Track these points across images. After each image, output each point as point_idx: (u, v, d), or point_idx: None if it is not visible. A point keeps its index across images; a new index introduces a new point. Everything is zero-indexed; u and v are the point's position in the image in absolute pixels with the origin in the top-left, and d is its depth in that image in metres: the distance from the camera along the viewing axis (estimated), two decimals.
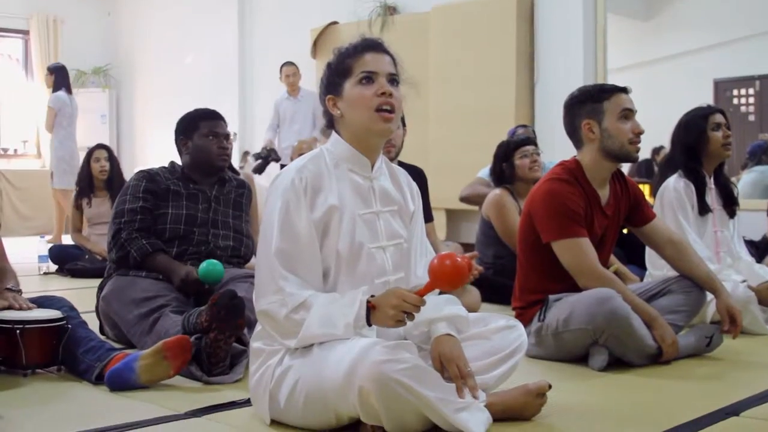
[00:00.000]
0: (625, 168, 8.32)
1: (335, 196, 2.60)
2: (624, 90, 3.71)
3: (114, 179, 7.08)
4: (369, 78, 2.60)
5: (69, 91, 9.79)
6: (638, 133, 3.63)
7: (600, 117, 3.65)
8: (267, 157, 9.01)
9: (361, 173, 2.69)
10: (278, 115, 9.80)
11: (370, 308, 2.46)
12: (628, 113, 3.64)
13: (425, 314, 2.62)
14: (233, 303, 3.18)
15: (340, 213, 2.59)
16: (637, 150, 3.67)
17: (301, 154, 2.78)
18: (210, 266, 3.66)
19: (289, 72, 9.72)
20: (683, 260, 3.82)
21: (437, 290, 2.59)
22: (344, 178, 2.66)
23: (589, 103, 3.69)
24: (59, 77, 9.75)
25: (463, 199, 6.39)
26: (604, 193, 3.74)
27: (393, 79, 2.64)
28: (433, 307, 2.65)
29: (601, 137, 3.65)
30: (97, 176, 7.14)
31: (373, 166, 2.72)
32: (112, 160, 7.27)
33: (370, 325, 2.48)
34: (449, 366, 2.55)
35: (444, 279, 2.44)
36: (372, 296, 2.49)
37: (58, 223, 9.85)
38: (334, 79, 2.67)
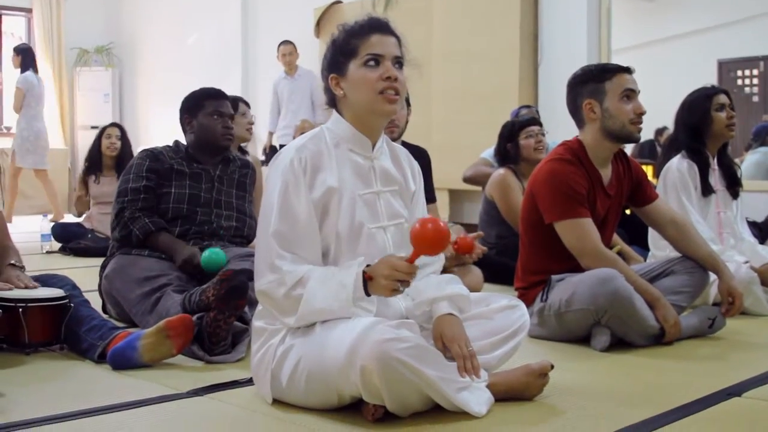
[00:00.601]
0: (628, 149, 8.35)
1: (335, 177, 2.59)
2: (627, 70, 3.69)
3: (124, 159, 7.08)
4: (375, 61, 2.59)
5: (36, 71, 9.90)
6: (640, 114, 3.62)
7: (601, 97, 3.64)
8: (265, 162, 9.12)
9: (361, 153, 2.69)
10: (277, 96, 9.79)
11: (367, 279, 2.46)
12: (630, 93, 3.62)
13: (427, 294, 2.64)
14: (235, 283, 3.18)
15: (339, 194, 2.58)
16: (639, 130, 3.66)
17: (303, 134, 2.77)
18: (213, 255, 3.64)
19: (286, 51, 9.70)
20: (685, 240, 3.81)
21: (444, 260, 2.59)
22: (344, 158, 2.65)
23: (591, 83, 3.68)
24: (26, 58, 9.88)
25: (467, 180, 6.39)
26: (606, 173, 3.73)
27: (398, 62, 2.63)
28: (435, 287, 2.66)
29: (602, 117, 3.64)
30: (106, 153, 7.15)
31: (374, 146, 2.71)
32: (124, 139, 7.28)
33: (369, 295, 2.48)
34: (451, 346, 2.55)
35: (426, 243, 2.41)
36: (368, 266, 2.49)
37: (53, 202, 9.92)
38: (338, 58, 2.65)
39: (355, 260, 2.52)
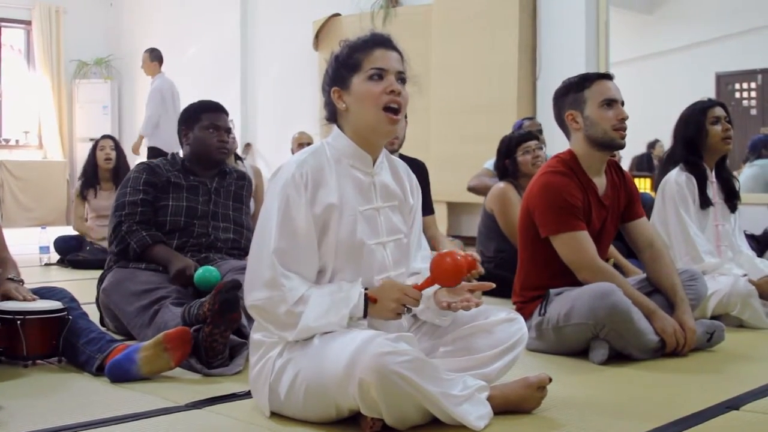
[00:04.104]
0: (627, 160, 8.35)
1: (335, 193, 2.60)
2: (606, 76, 3.72)
3: (120, 170, 7.08)
4: (379, 75, 2.60)
5: None
6: (621, 119, 3.63)
7: (582, 107, 3.67)
8: None
9: (362, 169, 2.69)
10: None
11: (370, 300, 2.49)
12: (610, 102, 3.64)
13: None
14: (227, 297, 3.17)
15: (339, 211, 2.59)
16: (622, 136, 3.65)
17: (301, 145, 2.78)
18: (206, 273, 3.63)
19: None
20: (657, 267, 3.77)
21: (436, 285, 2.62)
22: (345, 173, 2.66)
23: (572, 94, 3.71)
24: None
25: (471, 189, 6.37)
26: (600, 182, 3.73)
27: (401, 78, 2.64)
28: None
29: (585, 126, 3.66)
30: (102, 165, 7.15)
31: (374, 162, 2.72)
32: (118, 150, 7.28)
33: (365, 317, 2.51)
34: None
35: (444, 276, 2.52)
36: (366, 289, 2.53)
37: None
38: (341, 72, 2.66)
39: (355, 281, 2.55)
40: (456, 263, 2.50)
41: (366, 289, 2.53)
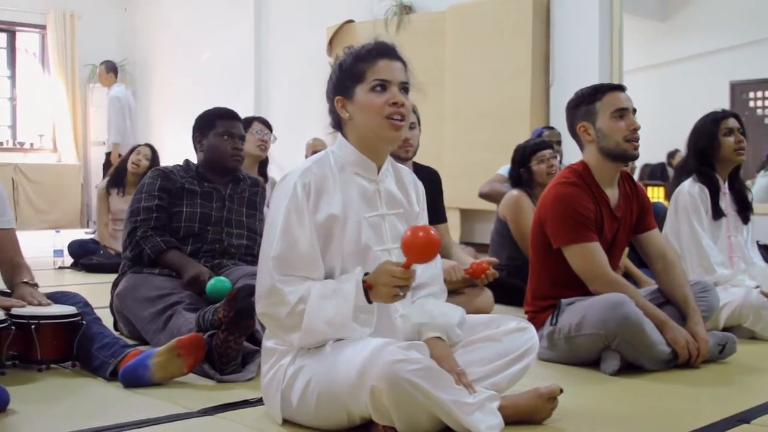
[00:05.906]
0: (638, 170, 8.33)
1: (339, 202, 2.61)
2: (618, 88, 3.73)
3: None
4: (382, 86, 2.61)
5: None
6: (634, 130, 3.63)
7: (594, 118, 3.68)
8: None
9: (366, 176, 2.70)
10: None
11: (367, 288, 2.48)
12: (622, 112, 3.65)
13: (415, 319, 2.67)
14: (243, 305, 3.18)
15: (342, 220, 2.60)
16: (635, 148, 3.66)
17: (315, 152, 2.79)
18: (218, 283, 3.63)
19: None
20: (669, 278, 3.76)
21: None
22: (350, 181, 2.67)
23: (583, 106, 3.72)
24: None
25: (482, 195, 6.34)
26: (613, 194, 3.74)
27: (404, 87, 2.65)
28: (425, 313, 2.68)
29: (597, 138, 3.66)
30: (130, 169, 7.16)
31: (379, 170, 2.73)
32: (154, 159, 7.23)
33: (370, 302, 2.49)
34: (440, 365, 2.51)
35: (416, 251, 2.43)
36: (367, 274, 2.51)
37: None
38: (345, 82, 2.66)
39: (354, 271, 2.54)
40: (429, 239, 2.42)
41: (367, 273, 2.51)
